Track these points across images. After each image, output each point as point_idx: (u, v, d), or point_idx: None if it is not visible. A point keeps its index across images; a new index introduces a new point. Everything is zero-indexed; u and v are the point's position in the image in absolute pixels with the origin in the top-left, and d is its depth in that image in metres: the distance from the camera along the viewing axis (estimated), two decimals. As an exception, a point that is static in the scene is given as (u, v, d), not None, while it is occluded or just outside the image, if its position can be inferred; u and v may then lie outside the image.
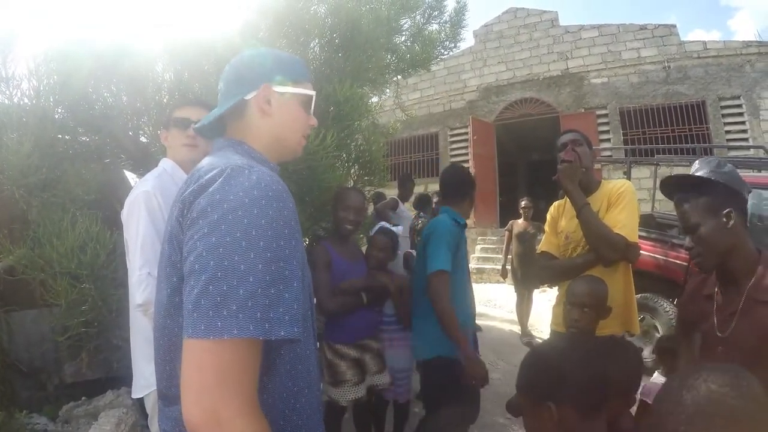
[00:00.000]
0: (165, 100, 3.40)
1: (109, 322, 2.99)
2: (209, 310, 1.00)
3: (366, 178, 4.24)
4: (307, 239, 3.78)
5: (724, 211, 1.89)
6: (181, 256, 1.15)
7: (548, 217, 3.18)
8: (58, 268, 2.80)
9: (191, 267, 1.06)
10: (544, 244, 3.13)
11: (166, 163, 2.44)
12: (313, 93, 1.49)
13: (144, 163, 3.35)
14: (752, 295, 1.85)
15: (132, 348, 2.37)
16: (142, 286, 2.13)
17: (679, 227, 6.42)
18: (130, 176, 3.68)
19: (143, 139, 3.56)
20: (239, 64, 1.44)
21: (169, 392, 1.25)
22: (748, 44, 13.10)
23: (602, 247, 2.69)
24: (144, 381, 2.28)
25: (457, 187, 3.41)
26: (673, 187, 2.11)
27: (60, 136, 3.28)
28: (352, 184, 4.04)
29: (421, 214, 6.67)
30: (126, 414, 3.19)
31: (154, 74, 3.38)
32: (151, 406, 2.32)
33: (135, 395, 2.37)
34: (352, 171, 4.24)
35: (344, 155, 4.00)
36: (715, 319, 1.99)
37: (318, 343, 1.69)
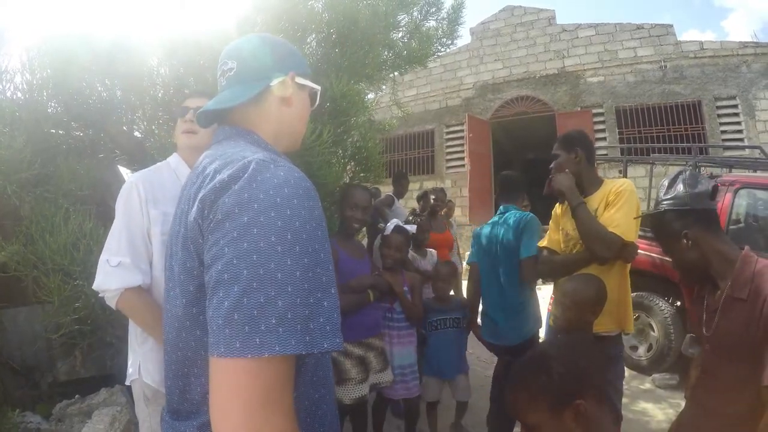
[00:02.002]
0: (160, 95, 3.36)
1: (102, 319, 2.96)
2: (245, 325, 0.90)
3: (362, 174, 4.21)
4: None
5: (682, 234, 2.02)
6: (198, 263, 1.06)
7: (553, 213, 3.21)
8: (50, 265, 2.76)
9: (219, 277, 0.95)
10: (546, 239, 3.20)
11: (172, 158, 2.38)
12: (319, 88, 1.44)
13: (138, 159, 3.32)
14: (730, 293, 1.91)
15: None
16: (98, 273, 2.06)
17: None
18: (124, 172, 3.63)
19: (137, 134, 3.52)
20: (260, 46, 1.34)
21: (181, 407, 1.18)
22: (744, 45, 13.18)
23: (596, 245, 2.72)
24: (128, 371, 2.25)
25: (516, 187, 3.97)
26: None
27: (53, 130, 3.23)
28: (348, 181, 4.02)
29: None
30: (120, 412, 3.17)
31: (149, 69, 3.34)
32: (137, 396, 2.28)
33: (127, 382, 2.34)
34: (348, 167, 4.21)
35: (340, 151, 3.97)
36: (704, 318, 2.06)
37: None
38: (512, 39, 16.17)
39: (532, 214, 3.62)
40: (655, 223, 2.18)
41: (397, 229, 3.61)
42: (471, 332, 4.04)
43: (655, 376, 5.46)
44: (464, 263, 7.54)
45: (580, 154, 3.00)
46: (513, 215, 3.66)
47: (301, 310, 0.93)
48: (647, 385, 5.45)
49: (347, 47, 3.88)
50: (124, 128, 3.45)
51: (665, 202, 2.11)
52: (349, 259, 3.25)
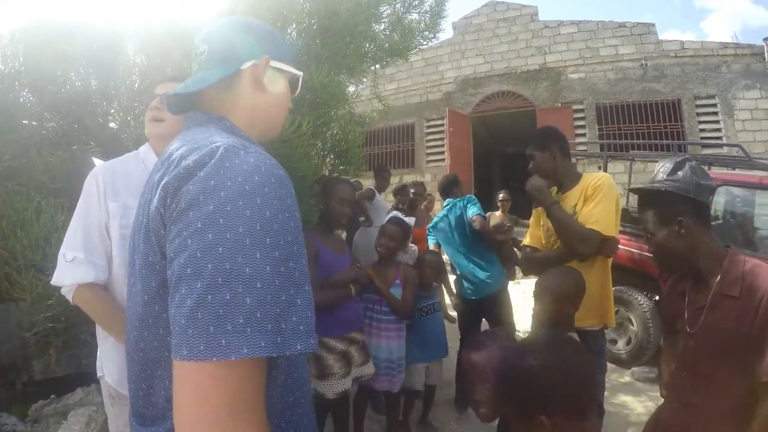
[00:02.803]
0: (136, 85, 3.28)
1: (76, 316, 2.88)
2: (209, 325, 0.82)
3: (342, 167, 4.17)
4: None
5: (676, 219, 1.96)
6: (161, 256, 0.97)
7: (533, 211, 3.22)
8: (22, 261, 2.69)
9: (181, 271, 0.87)
10: (528, 237, 3.22)
11: (143, 147, 2.28)
12: (300, 74, 1.36)
13: (113, 150, 3.23)
14: (719, 290, 1.91)
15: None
16: (57, 265, 2.01)
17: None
18: (99, 164, 3.55)
19: (113, 125, 3.44)
20: (233, 29, 1.26)
21: (146, 411, 1.09)
22: (725, 45, 13.42)
23: (574, 242, 2.74)
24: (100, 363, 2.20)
25: (451, 186, 4.98)
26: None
27: (26, 121, 3.14)
28: (327, 173, 3.97)
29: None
30: (96, 412, 3.10)
31: (125, 58, 3.26)
32: (104, 392, 2.22)
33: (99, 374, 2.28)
34: (328, 160, 4.16)
35: (320, 144, 3.92)
36: (687, 316, 2.05)
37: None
38: (494, 34, 16.22)
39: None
40: (651, 200, 2.09)
41: (395, 219, 3.62)
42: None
43: (635, 369, 5.50)
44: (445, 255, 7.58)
45: (554, 151, 3.01)
46: (457, 200, 4.72)
47: (272, 309, 0.86)
48: (627, 378, 5.50)
49: (328, 38, 3.83)
50: (100, 119, 3.36)
51: (668, 182, 2.04)
52: (330, 254, 3.21)
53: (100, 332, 2.10)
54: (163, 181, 0.98)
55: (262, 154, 1.01)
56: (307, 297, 0.93)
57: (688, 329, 2.01)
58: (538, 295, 2.48)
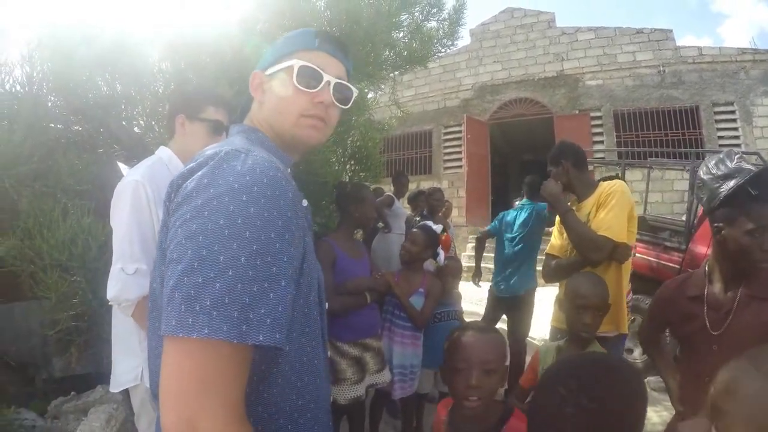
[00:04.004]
0: (161, 90, 3.34)
1: (99, 315, 2.93)
2: (182, 303, 0.89)
3: (361, 173, 4.20)
4: None
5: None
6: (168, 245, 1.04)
7: (556, 222, 3.26)
8: (48, 260, 2.74)
9: (170, 257, 0.96)
10: (550, 246, 3.25)
11: (163, 152, 2.33)
12: (301, 63, 1.25)
13: (137, 154, 3.29)
14: (748, 292, 1.96)
15: (112, 341, 2.30)
16: (112, 281, 2.03)
17: (670, 230, 6.45)
18: (123, 167, 3.61)
19: (137, 130, 3.50)
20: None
21: (157, 390, 1.17)
22: (743, 51, 13.26)
23: (586, 249, 2.78)
24: (119, 377, 2.21)
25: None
26: None
27: (52, 124, 3.21)
28: (347, 179, 4.01)
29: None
30: (116, 410, 3.14)
31: (150, 64, 3.31)
32: (138, 403, 2.25)
33: (112, 389, 2.29)
34: (348, 166, 4.20)
35: (340, 150, 3.96)
36: (707, 319, 2.07)
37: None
38: (512, 41, 16.17)
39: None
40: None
41: (422, 226, 3.64)
42: None
43: (650, 378, 5.45)
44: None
45: (566, 165, 3.07)
46: (533, 204, 5.05)
47: (241, 297, 0.90)
48: (643, 388, 5.42)
49: (349, 46, 3.86)
50: (124, 123, 3.42)
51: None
52: (348, 259, 3.22)
53: (141, 340, 2.10)
54: (172, 179, 1.10)
55: (263, 158, 1.07)
56: (282, 293, 0.97)
57: (712, 332, 2.03)
58: (577, 304, 2.44)
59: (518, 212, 5.12)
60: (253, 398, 1.06)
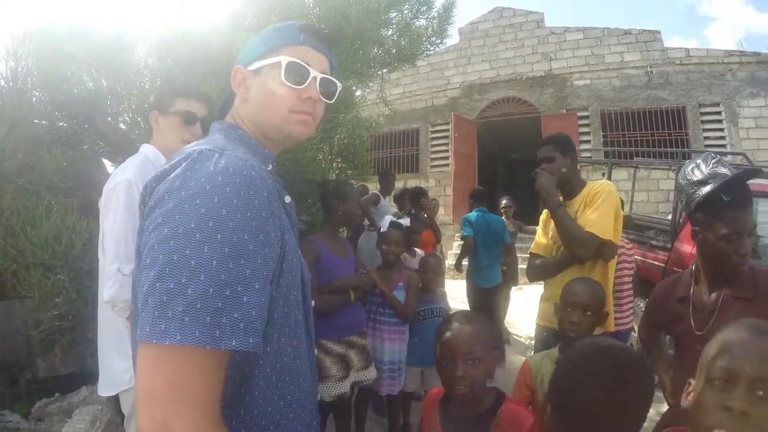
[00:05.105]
0: (147, 87, 3.30)
1: (83, 315, 2.90)
2: (155, 309, 0.88)
3: (348, 171, 4.19)
4: None
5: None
6: None
7: (540, 221, 3.26)
8: (31, 259, 2.70)
9: (143, 262, 0.95)
10: (534, 245, 3.24)
11: (147, 150, 2.30)
12: (289, 59, 1.23)
13: (123, 151, 3.25)
14: (730, 293, 2.04)
15: (99, 342, 2.27)
16: (109, 282, 2.02)
17: (656, 229, 6.50)
18: (108, 164, 3.56)
19: (123, 126, 3.45)
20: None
21: None
22: (730, 53, 13.44)
23: (573, 245, 2.77)
24: (116, 378, 2.18)
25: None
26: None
27: (37, 120, 3.17)
28: (334, 177, 3.99)
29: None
30: (101, 411, 3.10)
31: (136, 59, 3.27)
32: (129, 406, 2.22)
33: (102, 392, 2.27)
34: (335, 164, 4.18)
35: (327, 148, 3.94)
36: (692, 319, 2.14)
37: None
38: (500, 40, 16.21)
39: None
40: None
41: (393, 224, 3.60)
42: None
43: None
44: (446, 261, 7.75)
45: (573, 158, 3.04)
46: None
47: (213, 302, 0.89)
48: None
49: (337, 43, 3.84)
50: (109, 119, 3.37)
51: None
52: (332, 257, 3.22)
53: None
54: (146, 181, 1.10)
55: (238, 157, 1.06)
56: (256, 296, 0.96)
57: (697, 332, 2.08)
58: (567, 302, 2.44)
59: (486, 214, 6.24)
60: (235, 401, 1.05)
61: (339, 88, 1.37)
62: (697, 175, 2.22)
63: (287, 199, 1.26)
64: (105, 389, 2.24)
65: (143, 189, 1.09)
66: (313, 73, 1.26)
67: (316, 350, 3.11)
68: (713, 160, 2.23)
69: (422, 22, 5.21)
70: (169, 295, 0.88)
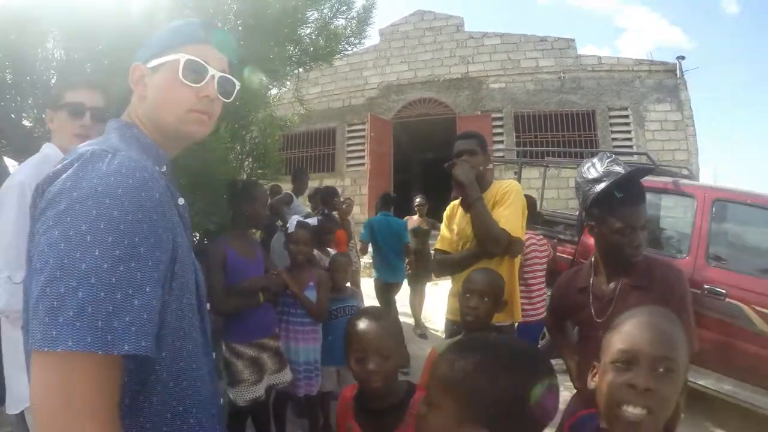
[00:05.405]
0: (53, 80, 3.15)
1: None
2: (45, 315, 0.86)
3: (260, 171, 4.14)
4: (198, 235, 3.63)
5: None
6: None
7: (444, 216, 3.30)
8: None
9: (34, 266, 0.93)
10: (439, 241, 3.27)
11: (49, 149, 2.19)
12: (187, 57, 1.22)
13: (26, 150, 3.09)
14: (628, 283, 2.18)
15: (3, 358, 2.14)
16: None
17: (564, 224, 6.80)
18: (11, 163, 3.37)
19: (26, 123, 3.28)
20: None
21: None
22: (639, 62, 14.34)
23: (487, 240, 2.81)
24: (18, 395, 2.07)
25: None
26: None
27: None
28: (245, 177, 3.94)
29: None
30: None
31: (44, 51, 3.11)
32: (32, 422, 2.13)
33: (9, 411, 2.15)
34: (246, 164, 4.12)
35: (238, 147, 3.88)
36: (592, 308, 2.27)
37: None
38: (420, 42, 16.46)
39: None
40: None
41: (300, 224, 3.61)
42: None
43: (552, 361, 5.65)
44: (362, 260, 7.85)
45: (488, 157, 3.14)
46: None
47: (104, 306, 0.88)
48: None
49: (253, 40, 3.79)
50: (12, 115, 3.20)
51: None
52: (239, 258, 3.18)
53: None
54: (37, 183, 1.05)
55: (131, 158, 1.05)
56: (147, 299, 0.95)
57: (597, 320, 2.21)
58: (467, 288, 2.54)
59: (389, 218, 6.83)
60: (134, 409, 1.04)
61: (237, 87, 1.36)
62: (593, 173, 2.35)
63: (181, 200, 1.24)
64: (11, 407, 2.13)
65: (34, 191, 1.05)
66: (211, 71, 1.26)
67: (227, 354, 3.10)
68: (608, 159, 2.36)
69: (341, 21, 5.19)
70: (60, 300, 0.86)
